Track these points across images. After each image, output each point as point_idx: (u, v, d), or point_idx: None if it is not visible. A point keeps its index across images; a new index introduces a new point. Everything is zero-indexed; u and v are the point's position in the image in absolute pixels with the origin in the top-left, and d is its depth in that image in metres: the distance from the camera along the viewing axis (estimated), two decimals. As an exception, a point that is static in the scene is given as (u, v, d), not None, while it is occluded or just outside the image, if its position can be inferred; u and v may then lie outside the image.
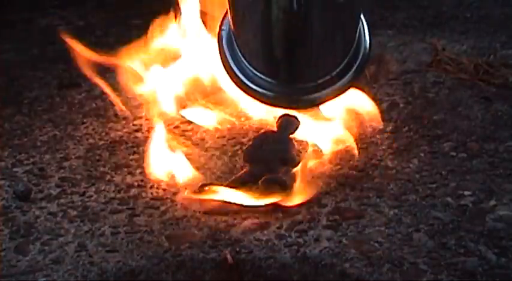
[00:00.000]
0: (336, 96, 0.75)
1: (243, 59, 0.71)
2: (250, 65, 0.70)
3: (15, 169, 1.01)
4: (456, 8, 1.81)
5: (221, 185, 0.88)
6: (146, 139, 1.05)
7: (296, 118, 0.98)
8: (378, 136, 1.05)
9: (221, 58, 0.71)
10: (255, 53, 0.71)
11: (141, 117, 1.16)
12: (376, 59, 1.38)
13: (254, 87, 0.71)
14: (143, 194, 0.92)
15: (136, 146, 1.06)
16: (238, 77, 0.71)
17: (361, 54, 0.71)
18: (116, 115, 1.19)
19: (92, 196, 0.92)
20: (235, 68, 0.72)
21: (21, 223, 0.86)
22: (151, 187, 0.93)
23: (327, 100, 0.75)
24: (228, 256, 0.77)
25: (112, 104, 1.23)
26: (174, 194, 0.91)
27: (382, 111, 1.13)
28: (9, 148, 1.08)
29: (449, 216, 0.83)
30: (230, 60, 0.72)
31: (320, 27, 0.65)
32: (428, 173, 0.93)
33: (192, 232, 0.82)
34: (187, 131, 1.07)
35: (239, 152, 1.00)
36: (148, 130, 1.08)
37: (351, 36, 0.70)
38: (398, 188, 0.90)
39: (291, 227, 0.82)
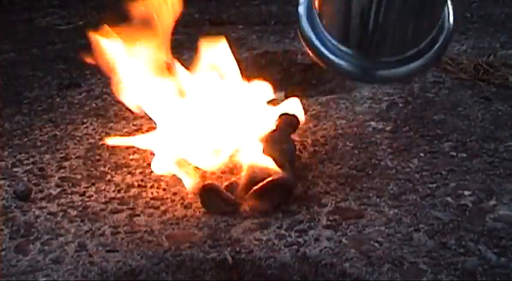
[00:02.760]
0: (416, 74, 0.72)
1: (324, 32, 0.68)
2: (332, 37, 0.67)
3: (15, 169, 1.01)
4: (456, 8, 1.81)
5: (221, 185, 0.88)
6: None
7: (296, 117, 0.98)
8: (377, 136, 1.05)
9: (301, 33, 0.69)
10: (338, 25, 0.68)
11: (141, 117, 1.16)
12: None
13: (335, 59, 0.69)
14: (143, 194, 0.92)
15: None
16: (320, 50, 0.68)
17: (445, 30, 0.68)
18: (116, 115, 1.19)
19: (92, 196, 0.92)
20: (316, 41, 0.68)
21: (21, 223, 0.86)
22: (151, 187, 0.93)
23: (405, 77, 0.72)
24: (228, 256, 0.77)
25: (112, 104, 1.23)
26: (174, 194, 0.91)
27: (382, 111, 1.14)
28: (9, 147, 1.08)
29: (449, 216, 0.83)
30: (311, 34, 0.68)
31: None
32: (428, 173, 0.93)
33: (192, 232, 0.82)
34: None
35: (239, 151, 1.00)
36: (148, 130, 1.08)
37: (439, 9, 0.67)
38: (398, 188, 0.90)
39: (291, 227, 0.82)
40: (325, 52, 0.68)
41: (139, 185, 0.94)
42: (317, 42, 0.68)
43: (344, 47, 0.67)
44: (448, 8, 0.68)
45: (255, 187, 0.85)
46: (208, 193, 0.86)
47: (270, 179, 0.85)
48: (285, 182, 0.86)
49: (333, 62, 0.68)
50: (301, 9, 0.69)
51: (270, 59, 1.49)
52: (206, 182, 0.88)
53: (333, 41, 0.67)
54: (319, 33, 0.68)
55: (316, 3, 0.67)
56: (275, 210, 0.85)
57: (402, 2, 0.62)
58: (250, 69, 1.29)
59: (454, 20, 0.67)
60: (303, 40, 0.69)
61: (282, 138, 0.94)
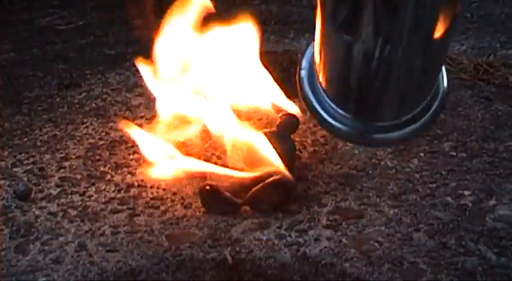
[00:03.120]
0: (412, 137, 0.75)
1: (324, 96, 0.71)
2: (332, 102, 0.70)
3: (15, 169, 1.01)
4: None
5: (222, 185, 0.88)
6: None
7: (296, 117, 0.98)
8: (377, 136, 1.05)
9: (302, 95, 0.72)
10: (338, 91, 0.71)
11: (141, 117, 1.16)
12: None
13: (334, 122, 0.71)
14: (143, 194, 0.92)
15: (137, 145, 1.06)
16: (320, 114, 0.71)
17: (440, 95, 0.70)
18: (115, 115, 1.19)
19: (92, 196, 0.92)
20: (316, 104, 0.72)
21: (21, 223, 0.86)
22: (151, 187, 0.93)
23: (402, 140, 0.76)
24: (228, 256, 0.77)
25: (112, 104, 1.23)
26: (174, 194, 0.91)
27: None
28: (9, 147, 1.08)
29: (449, 216, 0.83)
30: (311, 97, 0.72)
31: (407, 70, 0.64)
32: (428, 173, 0.93)
33: (192, 232, 0.82)
34: (187, 131, 1.07)
35: (239, 151, 1.00)
36: (149, 129, 1.08)
37: (435, 77, 0.69)
38: (398, 187, 0.90)
39: (291, 227, 0.82)
40: (325, 115, 0.70)
41: (139, 185, 0.94)
42: (317, 106, 0.71)
43: (342, 112, 0.69)
44: (442, 72, 0.70)
45: (255, 188, 0.85)
46: (209, 193, 0.86)
47: (270, 179, 0.85)
48: (285, 182, 0.86)
49: (332, 125, 0.70)
50: (303, 73, 0.72)
51: (270, 59, 1.49)
52: (206, 182, 0.88)
53: (332, 105, 0.70)
54: (320, 97, 0.70)
55: (317, 68, 0.69)
56: (275, 210, 0.85)
57: (398, 73, 0.63)
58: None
59: (447, 83, 0.70)
60: (304, 103, 0.72)
61: (282, 138, 0.94)
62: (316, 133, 1.07)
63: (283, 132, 0.95)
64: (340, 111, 0.70)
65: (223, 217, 0.85)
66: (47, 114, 1.22)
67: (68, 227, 0.85)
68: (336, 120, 0.70)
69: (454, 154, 0.99)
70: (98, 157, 1.04)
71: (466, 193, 0.88)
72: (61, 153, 1.06)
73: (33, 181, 0.97)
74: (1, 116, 1.22)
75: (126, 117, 1.17)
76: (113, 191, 0.93)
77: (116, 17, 1.90)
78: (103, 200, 0.91)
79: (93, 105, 1.25)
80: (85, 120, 1.18)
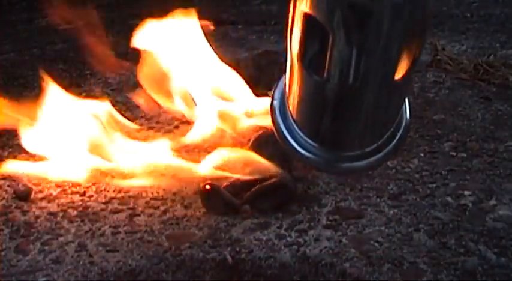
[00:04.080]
0: (378, 165, 0.79)
1: (295, 126, 0.76)
2: (301, 131, 0.75)
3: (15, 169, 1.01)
4: (456, 7, 1.81)
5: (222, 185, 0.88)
6: (146, 139, 1.05)
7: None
8: (377, 136, 1.05)
9: (274, 126, 0.77)
10: (307, 123, 0.75)
11: (141, 117, 1.16)
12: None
13: (303, 152, 0.75)
14: (143, 194, 0.92)
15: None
16: (290, 143, 0.76)
17: (403, 125, 0.75)
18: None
19: (92, 196, 0.92)
20: (287, 135, 0.76)
21: (21, 223, 0.86)
22: (151, 187, 0.93)
23: (369, 168, 0.80)
24: (228, 256, 0.77)
25: (112, 104, 1.23)
26: (174, 193, 0.91)
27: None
28: (9, 147, 1.08)
29: (449, 216, 0.83)
30: (282, 128, 0.76)
31: (371, 105, 0.69)
32: (428, 173, 0.93)
33: (192, 232, 0.82)
34: (187, 131, 1.07)
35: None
36: (149, 129, 1.08)
37: (397, 112, 0.74)
38: (398, 187, 0.90)
39: (291, 227, 0.82)
40: (294, 144, 0.75)
41: (139, 185, 0.94)
42: (288, 136, 0.75)
43: (311, 141, 0.73)
44: (405, 104, 0.74)
45: (255, 188, 0.85)
46: (209, 193, 0.86)
47: (271, 180, 0.85)
48: (285, 184, 0.86)
49: (300, 154, 0.74)
50: (276, 104, 0.76)
51: (270, 59, 1.49)
52: (207, 183, 0.88)
53: (302, 135, 0.74)
54: (290, 126, 0.75)
55: (288, 100, 0.74)
56: (275, 210, 0.85)
57: (364, 110, 0.67)
58: (250, 69, 1.29)
59: (410, 114, 0.74)
60: (275, 132, 0.76)
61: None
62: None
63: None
64: (309, 141, 0.74)
65: (223, 217, 0.85)
66: (47, 114, 1.21)
67: (68, 227, 0.85)
68: (305, 149, 0.75)
69: (454, 154, 0.99)
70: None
71: (466, 193, 0.88)
72: (61, 153, 1.06)
73: (33, 181, 0.97)
74: (1, 116, 1.22)
75: (126, 118, 1.17)
76: (113, 191, 0.93)
77: (116, 17, 1.90)
78: (103, 201, 0.91)
79: (93, 105, 1.25)
80: (85, 120, 1.18)
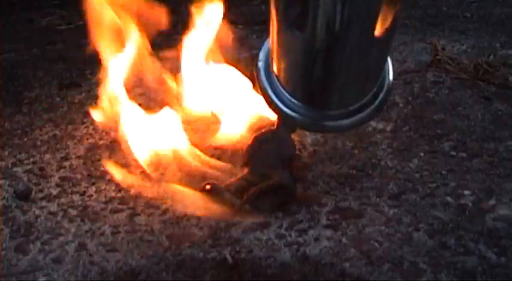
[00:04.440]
0: (361, 124, 0.81)
1: (279, 86, 0.77)
2: (286, 92, 0.77)
3: (15, 169, 1.01)
4: (456, 7, 1.81)
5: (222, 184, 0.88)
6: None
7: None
8: (377, 136, 1.05)
9: (259, 85, 0.79)
10: (291, 81, 0.76)
11: (141, 117, 1.16)
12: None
13: (288, 111, 0.78)
14: (143, 194, 0.92)
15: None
16: (275, 103, 0.78)
17: (385, 86, 0.77)
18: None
19: (92, 196, 0.92)
20: (271, 94, 0.78)
21: (21, 223, 0.86)
22: (151, 187, 0.93)
23: (352, 127, 0.81)
24: (228, 256, 0.77)
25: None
26: (174, 193, 0.91)
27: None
28: (9, 147, 1.08)
29: (449, 215, 0.83)
30: (267, 87, 0.78)
31: (353, 61, 0.70)
32: (428, 173, 0.93)
33: (192, 232, 0.82)
34: (186, 130, 1.07)
35: (239, 151, 1.00)
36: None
37: (379, 71, 0.76)
38: (398, 187, 0.90)
39: (291, 227, 0.82)
40: (280, 105, 0.77)
41: (139, 185, 0.94)
42: (273, 96, 0.77)
43: (296, 101, 0.76)
44: (388, 65, 0.75)
45: (256, 188, 0.85)
46: (210, 192, 0.86)
47: (270, 182, 0.85)
48: (286, 184, 0.86)
49: (286, 113, 0.77)
50: (261, 65, 0.79)
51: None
52: (207, 182, 0.88)
53: (287, 95, 0.76)
54: (275, 87, 0.77)
55: (272, 61, 0.75)
56: (275, 210, 0.85)
57: (346, 66, 0.70)
58: (250, 69, 1.29)
59: (393, 76, 0.75)
60: (261, 92, 0.77)
61: (281, 138, 0.94)
62: (316, 133, 1.07)
63: (283, 133, 0.95)
64: (295, 101, 0.76)
65: (223, 217, 0.84)
66: (47, 114, 1.22)
67: (68, 227, 0.85)
68: (291, 109, 0.77)
69: (454, 153, 0.99)
70: (98, 157, 1.04)
71: (466, 192, 0.88)
72: (61, 153, 1.06)
73: (34, 181, 0.97)
74: (1, 116, 1.22)
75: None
76: (113, 191, 0.93)
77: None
78: (103, 200, 0.91)
79: (93, 105, 1.25)
80: (85, 120, 1.18)
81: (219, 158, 0.99)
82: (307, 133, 1.07)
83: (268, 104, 0.79)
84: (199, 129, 1.09)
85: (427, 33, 1.56)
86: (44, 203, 0.91)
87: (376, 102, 0.77)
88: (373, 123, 1.10)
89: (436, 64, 1.33)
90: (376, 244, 0.78)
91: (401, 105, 1.17)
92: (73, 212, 0.88)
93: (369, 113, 0.77)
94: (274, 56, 0.75)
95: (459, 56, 1.37)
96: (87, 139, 1.10)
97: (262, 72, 0.78)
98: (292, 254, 0.77)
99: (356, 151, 1.01)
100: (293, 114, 0.77)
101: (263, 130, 0.95)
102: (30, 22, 1.95)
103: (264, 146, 0.91)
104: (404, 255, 0.75)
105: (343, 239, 0.79)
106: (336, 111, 0.77)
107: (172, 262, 0.77)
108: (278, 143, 0.92)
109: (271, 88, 0.77)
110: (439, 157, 0.98)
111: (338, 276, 0.74)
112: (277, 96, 0.77)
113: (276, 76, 0.76)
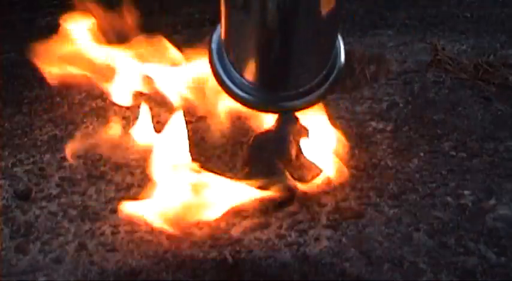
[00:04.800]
0: (313, 105, 0.82)
1: (232, 68, 0.78)
2: (239, 73, 0.77)
3: (15, 169, 1.01)
4: (456, 7, 1.81)
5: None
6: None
7: (296, 117, 0.98)
8: (377, 136, 1.05)
9: (211, 68, 0.78)
10: (243, 63, 0.77)
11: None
12: (376, 59, 1.39)
13: (240, 93, 0.78)
14: (143, 194, 0.92)
15: (137, 145, 1.06)
16: (227, 85, 0.78)
17: (336, 67, 0.78)
18: (115, 115, 1.19)
19: (92, 196, 0.92)
20: (224, 76, 0.79)
21: (21, 223, 0.86)
22: (151, 186, 0.93)
23: (304, 107, 0.83)
24: (228, 256, 0.77)
25: (112, 104, 1.23)
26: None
27: (382, 111, 1.14)
28: (9, 147, 1.08)
29: (449, 215, 0.83)
30: (220, 70, 0.79)
31: (302, 41, 0.70)
32: (428, 173, 0.93)
33: (193, 232, 0.82)
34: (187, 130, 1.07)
35: (239, 151, 1.00)
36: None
37: (329, 51, 0.77)
38: (398, 187, 0.90)
39: (291, 227, 0.82)
40: (232, 86, 0.78)
41: (139, 185, 0.94)
42: (225, 78, 0.78)
43: (248, 83, 0.76)
44: (339, 47, 0.79)
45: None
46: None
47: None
48: (286, 184, 0.86)
49: (238, 95, 0.78)
50: (213, 46, 0.79)
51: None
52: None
53: (239, 77, 0.77)
54: (228, 69, 0.78)
55: (224, 43, 0.76)
56: (275, 210, 0.85)
57: (295, 46, 0.70)
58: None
59: (344, 58, 0.76)
60: (213, 75, 0.78)
61: (281, 138, 0.94)
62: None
63: (282, 132, 0.95)
64: (246, 82, 0.76)
65: (224, 217, 0.85)
66: (47, 114, 1.22)
67: (68, 227, 0.85)
68: (242, 90, 0.77)
69: (454, 153, 0.99)
70: (97, 157, 1.04)
71: (466, 192, 0.88)
72: (61, 153, 1.06)
73: (34, 181, 0.97)
74: (1, 116, 1.22)
75: (126, 118, 1.17)
76: (113, 191, 0.93)
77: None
78: (103, 200, 0.91)
79: (93, 105, 1.25)
80: (85, 120, 1.18)
81: (219, 158, 0.99)
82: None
83: (221, 86, 0.79)
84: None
85: (427, 33, 1.56)
86: (44, 203, 0.91)
87: (327, 83, 0.78)
88: (373, 123, 1.10)
89: (436, 64, 1.33)
90: (376, 244, 0.78)
91: (401, 105, 1.16)
92: (73, 212, 0.88)
93: (320, 94, 0.79)
94: (225, 38, 0.75)
95: (459, 56, 1.37)
96: (87, 139, 1.10)
97: (214, 55, 0.78)
98: (292, 254, 0.77)
99: (356, 151, 1.01)
100: (245, 96, 0.78)
101: (263, 130, 0.96)
102: (30, 22, 1.95)
103: (264, 146, 0.91)
104: (404, 255, 0.75)
105: (343, 239, 0.79)
106: (287, 92, 0.78)
107: (172, 262, 0.77)
108: (278, 143, 0.92)
109: (223, 70, 0.78)
110: (439, 157, 0.98)
111: (338, 276, 0.74)
112: (229, 78, 0.77)
113: (228, 58, 0.77)
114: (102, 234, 0.83)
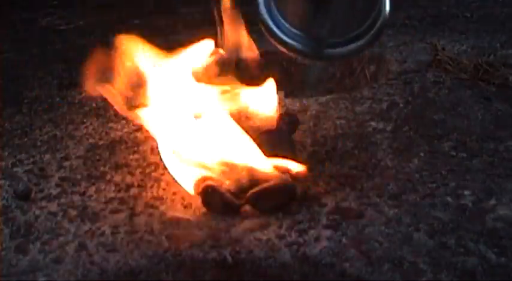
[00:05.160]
0: (359, 52, 0.86)
1: (279, 17, 0.82)
2: (286, 21, 0.82)
3: (15, 169, 1.01)
4: (456, 8, 1.81)
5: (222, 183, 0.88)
6: (146, 139, 1.06)
7: (296, 117, 0.98)
8: (377, 136, 1.05)
9: (260, 18, 0.83)
10: (291, 10, 0.82)
11: (141, 117, 1.16)
12: (376, 59, 1.39)
13: (289, 41, 0.82)
14: (143, 194, 0.92)
15: (136, 145, 1.06)
16: (276, 33, 0.82)
17: (382, 15, 0.82)
18: (116, 115, 1.19)
19: (92, 196, 0.92)
20: (271, 25, 0.83)
21: (21, 223, 0.86)
22: (151, 187, 0.93)
23: (350, 55, 0.86)
24: (228, 256, 0.77)
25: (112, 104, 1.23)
26: (174, 194, 0.91)
27: (382, 111, 1.14)
28: (9, 147, 1.08)
29: (449, 215, 0.83)
30: (267, 19, 0.83)
31: None
32: (428, 173, 0.93)
33: (192, 232, 0.82)
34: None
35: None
36: (148, 131, 1.08)
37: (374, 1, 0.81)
38: (398, 187, 0.90)
39: (291, 227, 0.82)
40: (279, 34, 0.82)
41: (139, 185, 0.94)
42: (273, 26, 0.82)
43: (296, 30, 0.81)
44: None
45: (256, 189, 0.85)
46: (209, 193, 0.86)
47: (271, 183, 0.85)
48: (286, 184, 0.86)
49: (286, 42, 0.82)
50: None
51: (270, 59, 1.49)
52: (207, 183, 0.87)
53: (286, 25, 0.81)
54: (275, 17, 0.82)
55: None
56: (275, 210, 0.85)
57: None
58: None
59: (390, 8, 0.82)
60: (260, 23, 0.84)
61: (281, 138, 0.94)
62: (316, 133, 1.07)
63: (283, 132, 0.95)
64: (294, 30, 0.81)
65: (223, 217, 0.85)
66: (47, 114, 1.22)
67: (68, 227, 0.85)
68: (291, 39, 0.82)
69: (454, 153, 0.99)
70: (98, 157, 1.04)
71: (466, 193, 0.88)
72: (61, 153, 1.06)
73: (34, 181, 0.97)
74: (1, 116, 1.22)
75: (126, 118, 1.17)
76: (113, 191, 0.93)
77: (115, 17, 1.90)
78: (103, 200, 0.91)
79: (93, 105, 1.25)
80: (85, 120, 1.18)
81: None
82: (308, 133, 1.07)
83: (268, 34, 0.83)
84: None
85: (427, 33, 1.56)
86: (44, 203, 0.91)
87: (372, 31, 0.81)
88: (373, 123, 1.10)
89: (436, 64, 1.33)
90: (376, 244, 0.78)
91: (401, 105, 1.17)
92: (73, 212, 0.88)
93: (366, 42, 0.82)
94: None
95: (459, 56, 1.37)
96: (87, 139, 1.10)
97: (261, 6, 0.83)
98: (292, 254, 0.77)
99: (356, 151, 1.01)
100: (293, 42, 0.82)
101: (263, 130, 0.95)
102: (30, 22, 1.95)
103: (264, 145, 0.91)
104: (404, 255, 0.75)
105: (343, 239, 0.79)
106: (333, 39, 0.82)
107: (172, 262, 0.77)
108: (278, 143, 0.92)
109: (271, 19, 0.82)
110: (439, 157, 0.98)
111: (338, 276, 0.74)
112: (277, 27, 0.82)
113: (276, 6, 0.81)
114: (102, 234, 0.83)
